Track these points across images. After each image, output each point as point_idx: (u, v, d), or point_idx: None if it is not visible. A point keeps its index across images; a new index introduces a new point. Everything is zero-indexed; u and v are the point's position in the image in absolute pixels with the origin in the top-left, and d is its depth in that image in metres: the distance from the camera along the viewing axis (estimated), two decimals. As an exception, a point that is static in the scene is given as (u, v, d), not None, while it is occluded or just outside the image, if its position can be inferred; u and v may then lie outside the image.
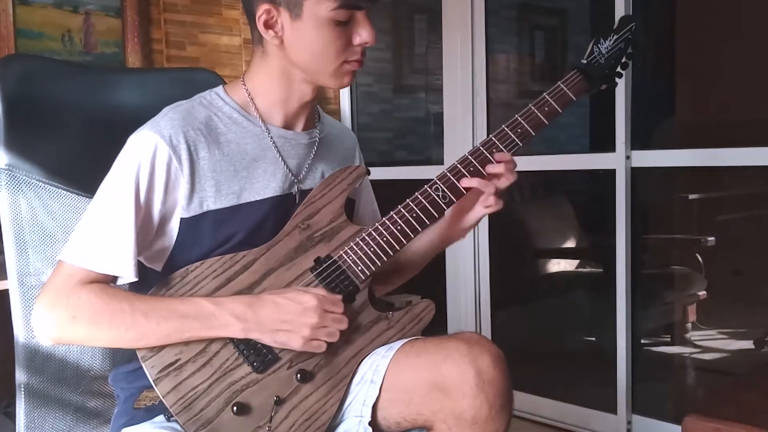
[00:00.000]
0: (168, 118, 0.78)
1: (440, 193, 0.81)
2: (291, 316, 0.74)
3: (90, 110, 0.97)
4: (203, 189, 0.78)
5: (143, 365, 0.75)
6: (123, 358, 0.87)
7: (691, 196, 2.03)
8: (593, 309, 2.20)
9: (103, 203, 0.76)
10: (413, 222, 0.80)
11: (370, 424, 0.76)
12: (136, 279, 0.77)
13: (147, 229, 0.78)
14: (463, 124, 1.98)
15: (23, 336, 0.89)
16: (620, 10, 1.62)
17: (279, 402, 0.75)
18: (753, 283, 1.89)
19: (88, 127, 0.95)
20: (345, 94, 2.34)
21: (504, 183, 0.82)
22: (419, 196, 0.81)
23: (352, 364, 0.79)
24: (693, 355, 2.04)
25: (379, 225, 0.81)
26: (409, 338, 0.81)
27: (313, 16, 0.75)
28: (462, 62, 1.97)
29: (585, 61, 0.84)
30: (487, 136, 0.83)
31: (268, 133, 0.82)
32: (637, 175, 1.66)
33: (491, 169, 0.81)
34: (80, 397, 0.92)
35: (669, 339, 2.05)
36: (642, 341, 1.90)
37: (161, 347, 0.75)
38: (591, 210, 2.23)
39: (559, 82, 0.83)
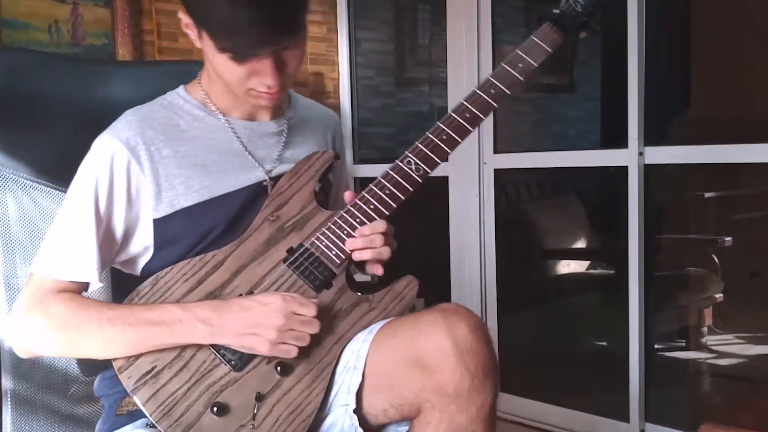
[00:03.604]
0: (126, 121, 0.79)
1: (413, 166, 0.79)
2: (256, 319, 0.72)
3: (81, 106, 0.96)
4: (172, 187, 0.78)
5: (120, 377, 0.74)
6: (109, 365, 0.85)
7: (707, 195, 2.00)
8: (604, 312, 2.19)
9: (65, 214, 0.78)
10: (387, 199, 0.79)
11: (355, 412, 0.74)
12: (102, 284, 0.78)
13: (111, 236, 0.79)
14: (469, 119, 1.94)
15: (9, 340, 0.86)
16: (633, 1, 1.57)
17: (260, 398, 0.74)
18: (772, 285, 1.84)
19: (78, 123, 0.94)
20: (345, 88, 2.33)
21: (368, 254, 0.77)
22: (390, 172, 0.80)
23: (334, 351, 0.77)
24: (709, 361, 2.04)
25: (351, 206, 0.79)
26: (389, 319, 0.79)
27: (209, 45, 0.74)
28: (467, 54, 1.93)
29: (558, 11, 0.81)
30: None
31: (230, 126, 0.82)
32: (650, 172, 1.63)
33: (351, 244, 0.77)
34: (68, 404, 0.92)
35: (684, 344, 2.06)
36: (655, 346, 1.88)
37: (137, 357, 0.74)
38: (602, 209, 2.20)
39: (531, 36, 0.81)
